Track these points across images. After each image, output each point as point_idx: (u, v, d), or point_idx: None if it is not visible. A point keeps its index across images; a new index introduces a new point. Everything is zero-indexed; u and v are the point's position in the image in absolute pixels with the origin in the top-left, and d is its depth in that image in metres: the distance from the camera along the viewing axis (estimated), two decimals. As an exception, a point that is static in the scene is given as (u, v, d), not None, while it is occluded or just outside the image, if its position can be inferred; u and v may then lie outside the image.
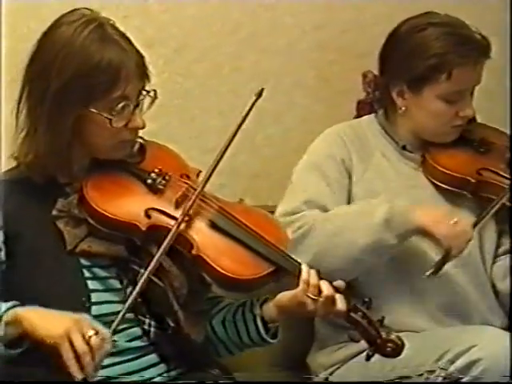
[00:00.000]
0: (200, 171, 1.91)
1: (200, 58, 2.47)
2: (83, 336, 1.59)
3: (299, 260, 1.84)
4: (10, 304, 1.67)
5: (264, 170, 2.54)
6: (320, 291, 1.79)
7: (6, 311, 1.65)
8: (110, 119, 1.76)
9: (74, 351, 1.58)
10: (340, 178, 2.15)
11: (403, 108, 2.16)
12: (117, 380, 1.74)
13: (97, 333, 1.60)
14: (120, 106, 1.77)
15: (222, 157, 1.83)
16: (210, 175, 1.81)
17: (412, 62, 2.12)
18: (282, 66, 2.52)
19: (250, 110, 1.84)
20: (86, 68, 1.74)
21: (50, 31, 1.80)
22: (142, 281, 1.71)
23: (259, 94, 1.85)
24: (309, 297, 1.79)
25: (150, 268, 1.72)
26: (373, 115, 2.27)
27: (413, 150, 2.22)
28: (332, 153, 2.17)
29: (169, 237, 1.74)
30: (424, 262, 2.10)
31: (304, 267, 1.81)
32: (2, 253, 1.76)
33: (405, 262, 2.12)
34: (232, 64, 2.50)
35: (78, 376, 1.58)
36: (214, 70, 2.49)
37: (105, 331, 1.63)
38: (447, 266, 2.07)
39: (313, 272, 1.81)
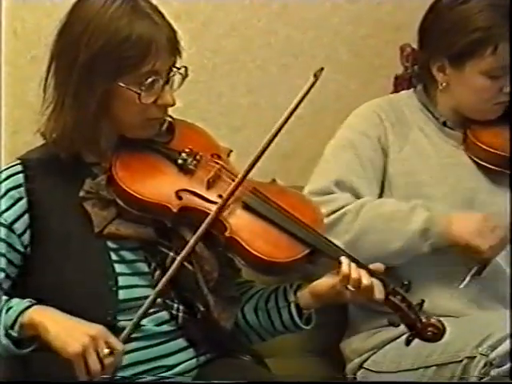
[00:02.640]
0: (231, 151, 1.88)
1: (229, 33, 2.44)
2: (98, 354, 1.61)
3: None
4: (25, 304, 1.66)
5: (295, 150, 2.51)
6: (359, 282, 1.76)
7: (21, 312, 1.65)
8: (139, 94, 1.73)
9: (87, 366, 1.61)
10: (374, 157, 2.11)
11: (444, 84, 2.12)
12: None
13: (111, 351, 1.62)
14: (149, 81, 1.73)
15: (268, 145, 1.78)
16: (255, 163, 1.77)
17: (454, 36, 2.07)
18: (314, 41, 2.48)
19: (307, 93, 1.78)
20: (116, 41, 1.71)
21: (80, 3, 1.77)
22: (173, 267, 1.69)
23: (316, 76, 1.79)
24: (348, 289, 1.75)
25: (182, 254, 1.70)
26: (411, 90, 2.22)
27: (454, 126, 2.17)
28: (367, 130, 2.13)
29: (205, 224, 1.71)
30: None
31: (344, 259, 1.77)
32: (27, 235, 1.74)
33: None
34: (262, 39, 2.46)
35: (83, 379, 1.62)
36: (244, 45, 2.45)
37: (119, 347, 1.64)
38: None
39: (353, 265, 1.77)
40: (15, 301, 1.67)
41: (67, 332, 1.62)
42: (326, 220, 1.99)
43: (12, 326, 1.64)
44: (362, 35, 2.52)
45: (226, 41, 2.43)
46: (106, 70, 1.71)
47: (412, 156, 2.12)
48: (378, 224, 2.03)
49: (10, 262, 1.73)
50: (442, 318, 1.86)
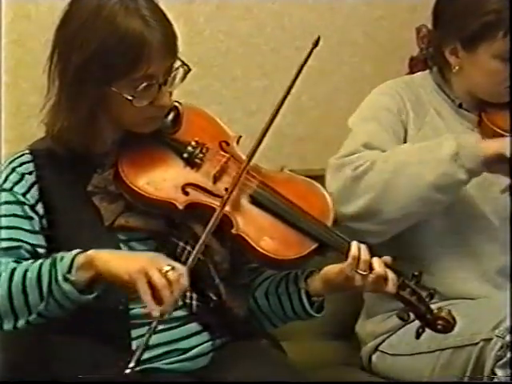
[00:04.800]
0: (240, 136, 1.85)
1: (243, 16, 2.42)
2: (160, 271, 1.57)
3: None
4: (77, 250, 1.64)
5: (310, 133, 2.50)
6: (371, 268, 1.75)
7: (76, 256, 1.63)
8: (131, 100, 1.71)
9: (152, 287, 1.57)
10: (397, 129, 2.09)
11: (457, 67, 2.10)
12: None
13: (173, 268, 1.59)
14: (142, 86, 1.70)
15: (269, 126, 1.77)
16: (255, 151, 1.75)
17: (467, 19, 2.05)
18: (328, 23, 2.47)
19: (306, 61, 1.78)
20: (107, 46, 1.68)
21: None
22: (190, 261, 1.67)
23: (316, 43, 1.79)
24: (358, 272, 1.74)
25: (194, 254, 1.67)
26: (427, 72, 2.20)
27: (469, 108, 2.15)
28: (388, 105, 2.11)
29: (211, 222, 1.68)
30: (483, 225, 2.06)
31: (354, 242, 1.76)
32: (44, 220, 1.74)
33: (463, 225, 2.07)
34: (276, 22, 2.45)
35: (156, 313, 1.57)
36: (258, 28, 2.44)
37: (181, 267, 1.61)
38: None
39: (363, 247, 1.76)
40: (64, 253, 1.65)
41: (126, 258, 1.62)
42: (353, 173, 1.97)
43: (69, 270, 1.62)
44: (377, 17, 2.51)
45: (240, 23, 2.42)
46: (98, 75, 1.69)
47: (429, 137, 2.10)
48: (411, 160, 1.98)
49: (44, 238, 1.73)
50: (458, 301, 1.85)
